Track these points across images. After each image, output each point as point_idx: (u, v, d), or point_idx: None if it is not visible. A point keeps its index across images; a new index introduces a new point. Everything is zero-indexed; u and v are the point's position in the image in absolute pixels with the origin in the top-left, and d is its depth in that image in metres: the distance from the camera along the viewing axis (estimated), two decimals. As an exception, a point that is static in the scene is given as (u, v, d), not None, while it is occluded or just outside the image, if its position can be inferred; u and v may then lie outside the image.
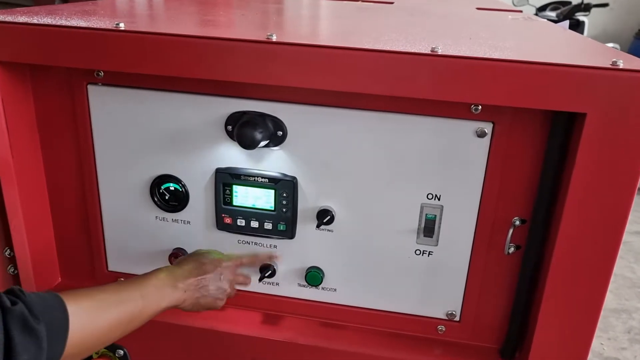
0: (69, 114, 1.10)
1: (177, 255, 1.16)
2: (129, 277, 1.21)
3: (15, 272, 1.11)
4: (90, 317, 0.79)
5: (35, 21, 0.98)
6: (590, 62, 0.85)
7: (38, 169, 1.15)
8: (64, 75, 1.08)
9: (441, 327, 1.12)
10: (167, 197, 1.12)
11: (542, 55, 0.93)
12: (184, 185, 1.11)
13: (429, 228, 1.05)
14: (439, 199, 1.02)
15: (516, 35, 1.28)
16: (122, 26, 0.95)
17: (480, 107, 0.94)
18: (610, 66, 0.83)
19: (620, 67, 0.82)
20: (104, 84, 1.07)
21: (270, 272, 1.12)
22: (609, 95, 0.83)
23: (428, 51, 0.87)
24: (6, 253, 1.10)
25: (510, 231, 0.99)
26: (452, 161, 0.99)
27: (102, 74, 1.05)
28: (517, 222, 1.00)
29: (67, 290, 0.81)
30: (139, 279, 0.91)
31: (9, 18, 1.00)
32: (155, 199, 1.12)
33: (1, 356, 0.65)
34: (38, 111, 1.11)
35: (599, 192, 0.88)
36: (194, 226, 1.14)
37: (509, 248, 1.00)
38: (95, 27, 0.96)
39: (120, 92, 1.06)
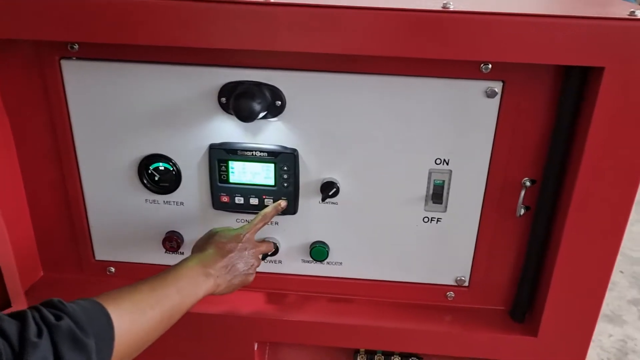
0: (40, 93, 1.00)
1: (171, 240, 1.09)
2: (120, 265, 1.15)
3: (-4, 269, 1.02)
4: (132, 321, 0.74)
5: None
6: (606, 13, 0.82)
7: (10, 156, 1.05)
8: (31, 50, 0.97)
9: (450, 294, 1.10)
10: (157, 178, 1.04)
11: (557, 8, 0.89)
12: (174, 164, 1.03)
13: (437, 194, 1.01)
14: (447, 164, 0.99)
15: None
16: (99, -9, 0.85)
17: (490, 65, 0.90)
18: (628, 16, 0.80)
19: (638, 17, 0.79)
20: (78, 58, 0.97)
21: (272, 251, 1.07)
22: (627, 47, 0.80)
23: (439, 8, 0.82)
24: (-17, 250, 1.01)
25: (522, 192, 0.97)
26: (460, 124, 0.96)
27: (76, 46, 0.95)
28: (527, 183, 0.97)
29: (101, 295, 0.75)
30: (171, 273, 0.86)
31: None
32: (145, 181, 1.05)
33: None
34: (4, 92, 1.00)
35: (615, 146, 0.86)
36: (188, 207, 1.07)
37: (520, 209, 0.98)
38: (67, -7, 0.86)
39: (99, 65, 0.97)
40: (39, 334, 0.61)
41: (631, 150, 0.86)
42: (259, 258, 1.00)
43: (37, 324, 0.63)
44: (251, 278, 0.97)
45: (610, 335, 2.47)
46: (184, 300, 0.84)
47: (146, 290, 0.80)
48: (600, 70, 0.82)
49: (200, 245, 0.96)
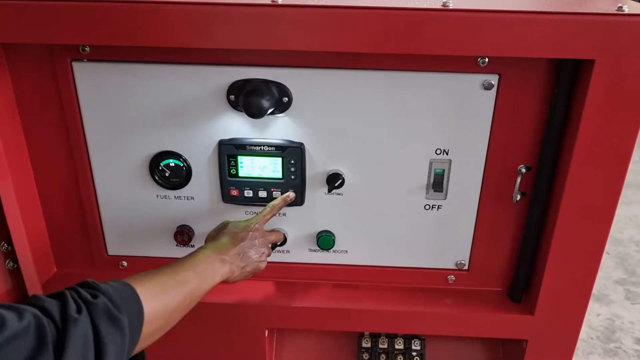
0: (52, 94, 1.03)
1: (182, 233, 1.13)
2: (132, 259, 1.18)
3: (15, 266, 1.05)
4: (158, 301, 0.79)
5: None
6: (595, 9, 0.87)
7: (22, 156, 1.07)
8: (43, 53, 1.00)
9: (451, 277, 1.16)
10: (167, 174, 1.08)
11: (549, 4, 0.93)
12: (185, 161, 1.07)
13: (438, 183, 1.06)
14: (447, 154, 1.04)
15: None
16: (112, -4, 0.88)
17: (487, 59, 0.95)
18: (616, 12, 0.85)
19: (626, 12, 0.84)
20: (89, 60, 1.00)
21: (281, 240, 1.11)
22: (615, 41, 0.85)
23: (439, 6, 0.86)
24: (2, 248, 1.03)
25: (518, 179, 1.02)
26: (459, 115, 1.00)
27: (87, 49, 0.98)
28: (523, 170, 1.03)
29: (128, 277, 0.80)
30: (189, 259, 0.91)
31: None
32: (156, 177, 1.08)
33: (92, 349, 0.65)
34: (18, 93, 1.03)
35: (605, 134, 0.92)
36: (199, 201, 1.11)
37: (516, 195, 1.04)
38: (80, -2, 0.88)
39: (109, 67, 1.00)
40: (79, 311, 0.66)
41: (620, 138, 0.92)
42: (269, 247, 1.05)
43: (75, 301, 0.67)
44: (263, 265, 1.02)
45: (598, 315, 2.55)
46: (202, 284, 0.88)
47: (169, 273, 0.85)
48: (590, 62, 0.87)
49: (214, 235, 1.01)
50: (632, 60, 0.86)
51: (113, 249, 1.18)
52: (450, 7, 0.86)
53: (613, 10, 0.85)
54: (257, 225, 1.01)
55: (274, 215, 1.06)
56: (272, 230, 1.10)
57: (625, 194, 3.41)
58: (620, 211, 3.42)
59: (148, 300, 0.76)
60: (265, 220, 1.04)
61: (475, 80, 0.97)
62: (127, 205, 1.12)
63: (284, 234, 1.12)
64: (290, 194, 1.06)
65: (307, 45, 0.90)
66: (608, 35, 0.85)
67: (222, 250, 0.95)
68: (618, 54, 0.86)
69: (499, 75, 0.97)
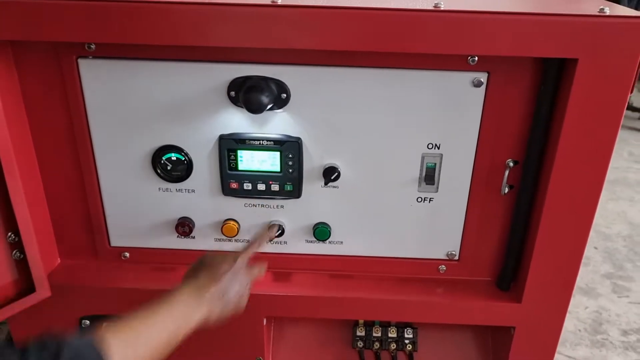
0: (58, 90, 1.06)
1: (183, 225, 1.17)
2: (134, 250, 1.22)
3: (22, 257, 1.09)
4: (129, 355, 0.77)
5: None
6: (579, 10, 0.91)
7: (28, 150, 1.11)
8: (50, 50, 1.03)
9: (442, 267, 1.21)
10: (169, 168, 1.12)
11: (535, 6, 0.98)
12: (186, 154, 1.11)
13: (429, 176, 1.11)
14: (438, 148, 1.09)
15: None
16: (118, -5, 0.92)
17: (476, 58, 1.00)
18: (598, 14, 0.89)
19: (607, 14, 0.89)
20: (95, 57, 1.04)
21: (279, 232, 1.16)
22: (597, 41, 0.90)
23: (431, 7, 0.91)
24: (9, 238, 1.07)
25: (506, 172, 1.07)
26: (450, 111, 1.05)
27: (93, 46, 1.02)
28: (511, 164, 1.07)
29: (99, 328, 0.77)
30: (166, 301, 0.87)
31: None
32: (158, 171, 1.12)
33: None
34: (25, 89, 1.06)
35: (588, 129, 0.97)
36: (199, 194, 1.15)
37: (504, 188, 1.08)
38: (86, -3, 0.92)
39: (114, 64, 1.04)
40: None
41: (602, 133, 0.97)
42: (249, 285, 1.00)
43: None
44: (244, 302, 0.99)
45: (586, 307, 2.61)
46: (178, 329, 0.86)
47: (145, 322, 0.83)
48: (574, 61, 0.92)
49: (192, 273, 0.96)
50: (613, 59, 0.91)
51: (116, 241, 1.22)
52: (442, 8, 0.90)
53: (595, 12, 0.90)
54: (240, 261, 0.98)
55: (258, 249, 1.04)
56: (254, 265, 1.05)
57: (614, 190, 3.48)
58: (609, 207, 3.46)
59: (119, 355, 0.74)
60: (249, 254, 1.01)
61: (466, 78, 1.02)
62: (130, 198, 1.16)
63: (281, 226, 1.16)
64: (274, 230, 1.11)
65: (305, 43, 0.94)
66: (590, 36, 0.90)
67: (201, 290, 0.91)
68: (600, 53, 0.90)
69: (488, 73, 1.01)
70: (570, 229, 1.06)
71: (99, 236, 1.21)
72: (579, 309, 2.60)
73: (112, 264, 1.24)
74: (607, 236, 3.12)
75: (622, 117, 0.96)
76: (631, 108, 5.14)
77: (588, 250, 3.07)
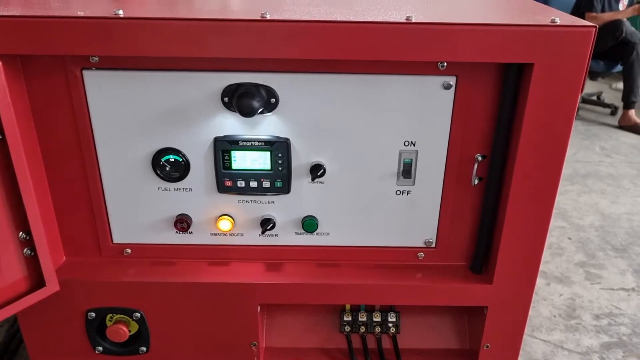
0: (64, 100, 1.15)
1: (182, 221, 1.26)
2: (136, 246, 1.31)
3: (32, 254, 1.17)
4: None
5: (17, 13, 1.02)
6: (533, 21, 1.03)
7: (36, 154, 1.19)
8: (56, 62, 1.12)
9: (421, 254, 1.32)
10: (168, 169, 1.21)
11: (493, 16, 1.10)
12: (184, 156, 1.20)
13: (406, 171, 1.22)
14: (414, 145, 1.20)
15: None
16: (121, 13, 1.01)
17: (445, 64, 1.11)
18: (550, 24, 1.01)
19: (558, 23, 1.01)
20: (98, 68, 1.13)
21: (270, 225, 1.26)
22: (550, 48, 1.02)
23: (404, 20, 1.02)
24: (21, 237, 1.15)
25: (476, 165, 1.19)
26: (423, 112, 1.16)
27: (96, 58, 1.11)
28: (479, 158, 1.19)
29: None
30: None
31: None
32: (158, 171, 1.21)
33: None
34: (32, 99, 1.15)
35: (545, 125, 1.08)
36: (196, 192, 1.25)
37: (474, 180, 1.20)
38: (92, 15, 1.01)
39: (117, 74, 1.13)
40: None
41: (558, 128, 1.09)
42: None
43: None
44: None
45: (561, 295, 2.74)
46: None
47: None
48: (531, 66, 1.04)
49: None
50: (565, 63, 1.02)
51: (118, 238, 1.30)
52: (413, 21, 1.01)
53: (548, 22, 1.02)
54: None
55: None
56: None
57: (586, 183, 3.63)
58: (581, 199, 3.59)
59: None
60: None
61: (436, 81, 1.13)
62: (131, 197, 1.25)
63: (273, 221, 1.26)
64: None
65: (292, 53, 1.05)
66: (544, 43, 1.01)
67: None
68: (553, 58, 1.02)
69: (457, 76, 1.13)
70: (534, 215, 1.18)
71: (102, 234, 1.29)
72: (554, 297, 2.73)
73: (114, 260, 1.32)
74: (580, 227, 3.26)
75: (575, 113, 1.08)
76: (602, 104, 5.32)
77: (562, 241, 3.21)
